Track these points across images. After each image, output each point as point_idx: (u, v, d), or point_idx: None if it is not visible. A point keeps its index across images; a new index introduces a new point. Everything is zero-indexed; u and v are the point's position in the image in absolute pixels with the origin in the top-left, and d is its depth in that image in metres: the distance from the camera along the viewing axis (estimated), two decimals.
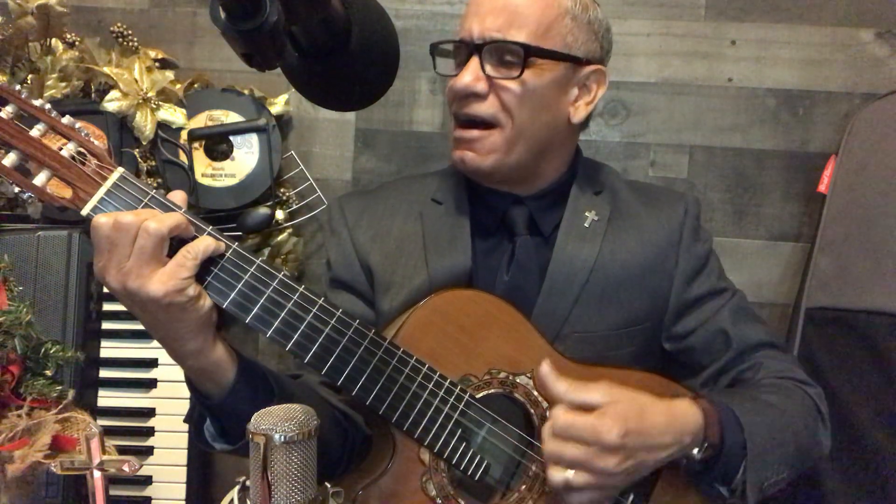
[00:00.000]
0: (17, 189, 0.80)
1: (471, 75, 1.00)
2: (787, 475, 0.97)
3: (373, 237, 1.11)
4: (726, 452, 0.93)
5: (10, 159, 0.79)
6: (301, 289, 0.86)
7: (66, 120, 0.82)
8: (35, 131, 0.80)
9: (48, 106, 0.81)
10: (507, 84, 1.01)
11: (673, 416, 0.91)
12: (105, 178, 0.81)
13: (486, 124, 1.02)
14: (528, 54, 0.99)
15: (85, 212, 0.81)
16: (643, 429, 0.87)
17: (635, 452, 0.87)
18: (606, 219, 1.09)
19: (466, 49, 1.02)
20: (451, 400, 0.93)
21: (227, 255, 0.84)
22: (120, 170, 0.82)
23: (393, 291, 1.07)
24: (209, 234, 0.82)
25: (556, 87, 1.04)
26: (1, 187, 0.80)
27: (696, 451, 0.92)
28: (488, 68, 1.00)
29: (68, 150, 0.81)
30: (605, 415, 0.86)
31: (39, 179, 0.80)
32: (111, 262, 0.77)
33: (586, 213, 1.09)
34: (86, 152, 0.81)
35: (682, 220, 1.11)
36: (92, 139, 0.82)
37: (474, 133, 1.03)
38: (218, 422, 0.90)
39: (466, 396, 0.94)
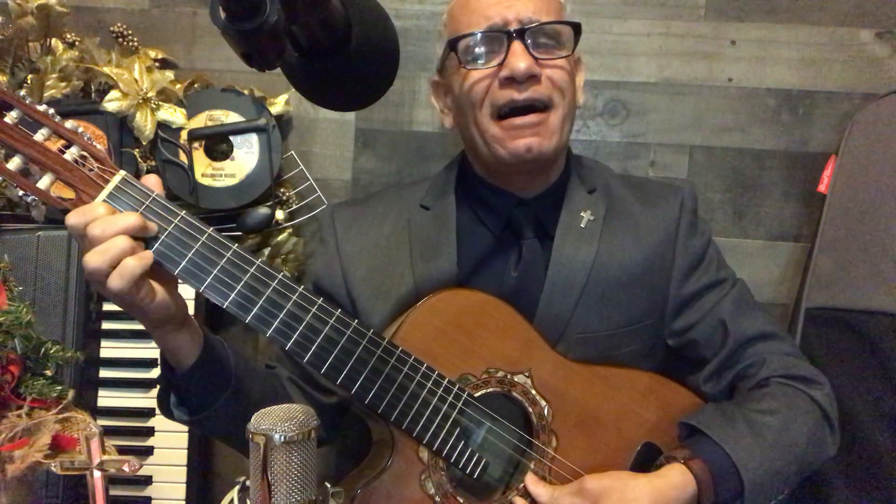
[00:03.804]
0: (21, 192, 0.81)
1: (526, 59, 0.99)
2: (788, 491, 0.98)
3: (360, 249, 1.11)
4: (721, 502, 0.93)
5: (15, 163, 0.81)
6: (300, 289, 0.87)
7: (69, 124, 0.83)
8: (39, 135, 0.81)
9: (51, 111, 0.83)
10: (556, 63, 1.02)
11: (662, 494, 0.91)
12: (107, 181, 0.82)
13: (541, 107, 1.01)
14: (576, 32, 1.03)
15: None
16: None
17: None
18: (602, 218, 1.09)
19: (502, 35, 1.00)
20: (450, 399, 0.93)
21: (228, 255, 0.84)
22: (122, 173, 0.83)
23: (381, 301, 1.07)
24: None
25: (576, 65, 1.09)
26: (6, 191, 0.81)
27: None
28: (533, 51, 1.00)
29: (71, 153, 0.82)
30: None
31: (43, 183, 0.81)
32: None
33: (582, 214, 1.08)
34: (88, 155, 0.82)
35: (677, 216, 1.11)
36: (94, 143, 0.83)
37: (533, 118, 1.01)
38: (177, 393, 0.94)
39: (465, 395, 0.95)
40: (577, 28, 1.03)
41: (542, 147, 1.01)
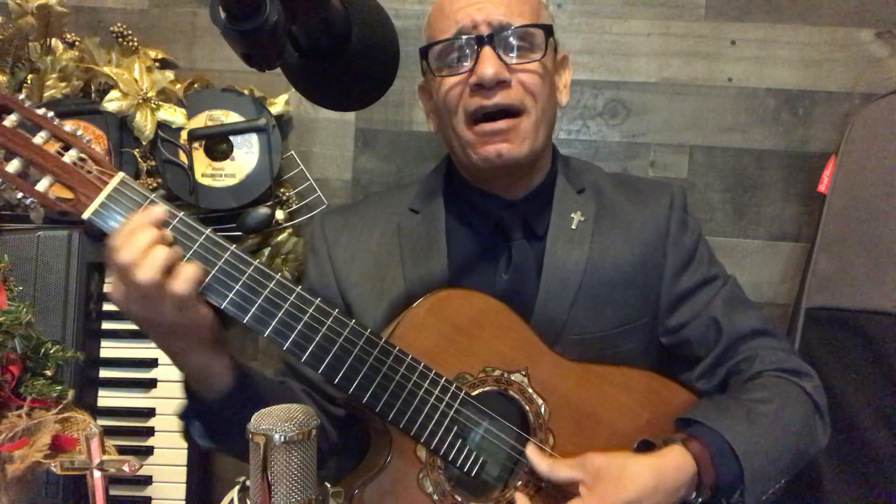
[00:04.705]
0: (20, 195, 0.81)
1: (495, 65, 0.97)
2: (785, 481, 0.97)
3: (352, 255, 1.11)
4: (723, 487, 0.93)
5: (14, 166, 0.81)
6: (298, 289, 0.87)
7: (68, 127, 0.84)
8: (38, 138, 0.82)
9: (51, 114, 0.83)
10: (528, 67, 1.00)
11: (661, 474, 0.91)
12: (106, 183, 0.82)
13: (513, 112, 1.00)
14: (547, 35, 1.01)
15: (86, 215, 0.82)
16: (628, 499, 0.88)
17: None
18: (593, 218, 1.08)
19: (472, 41, 0.99)
20: (447, 398, 0.94)
21: (226, 256, 0.84)
22: (120, 174, 0.83)
23: (374, 305, 1.07)
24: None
25: (553, 66, 1.07)
26: (5, 193, 0.81)
27: (693, 495, 0.93)
28: (504, 56, 0.99)
29: (70, 156, 0.82)
30: (583, 499, 0.89)
31: (42, 185, 0.82)
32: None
33: (572, 215, 1.08)
34: (87, 158, 0.82)
35: (668, 214, 1.11)
36: (93, 145, 0.83)
37: (503, 124, 1.00)
38: (206, 423, 0.92)
39: (462, 394, 0.95)
40: (549, 30, 1.02)
41: (511, 153, 1.00)
